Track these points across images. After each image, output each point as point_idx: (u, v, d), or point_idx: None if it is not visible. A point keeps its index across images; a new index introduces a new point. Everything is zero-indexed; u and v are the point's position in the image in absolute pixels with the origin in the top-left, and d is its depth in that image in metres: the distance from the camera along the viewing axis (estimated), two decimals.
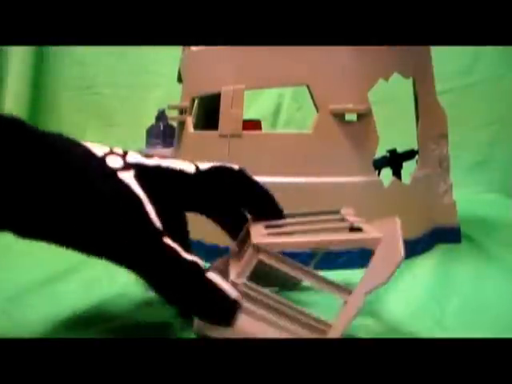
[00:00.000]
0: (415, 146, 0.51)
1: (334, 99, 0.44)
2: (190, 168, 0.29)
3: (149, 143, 0.58)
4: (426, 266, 0.44)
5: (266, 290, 0.27)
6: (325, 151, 0.44)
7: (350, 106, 0.44)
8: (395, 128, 0.68)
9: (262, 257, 0.27)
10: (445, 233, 0.51)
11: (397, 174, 0.57)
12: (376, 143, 0.45)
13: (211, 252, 0.46)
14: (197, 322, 0.28)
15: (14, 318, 0.33)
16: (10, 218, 0.24)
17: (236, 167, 0.31)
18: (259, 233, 0.29)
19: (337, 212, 0.33)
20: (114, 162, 0.26)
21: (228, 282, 0.27)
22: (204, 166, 0.30)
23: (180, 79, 0.55)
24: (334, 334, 0.27)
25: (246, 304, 0.26)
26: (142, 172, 0.27)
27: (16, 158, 0.23)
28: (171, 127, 0.57)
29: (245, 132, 0.45)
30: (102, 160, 0.26)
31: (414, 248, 0.47)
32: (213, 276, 0.26)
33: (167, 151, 0.54)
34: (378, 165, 0.54)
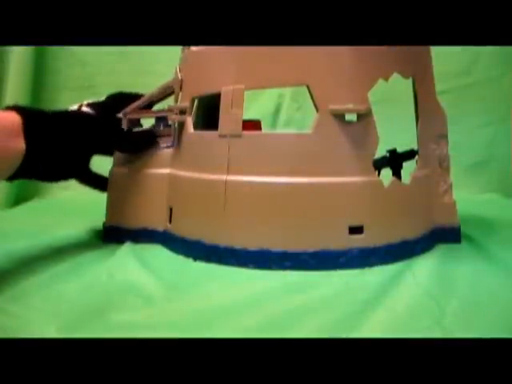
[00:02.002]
0: (415, 146, 0.51)
1: (334, 99, 0.44)
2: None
3: None
4: (425, 265, 0.44)
5: None
6: (325, 151, 0.44)
7: (350, 106, 0.44)
8: (395, 128, 0.68)
9: None
10: (445, 233, 0.51)
11: (397, 174, 0.57)
12: (376, 143, 0.45)
13: (211, 252, 0.46)
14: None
15: (14, 317, 0.33)
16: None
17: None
18: None
19: None
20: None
21: None
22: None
23: None
24: None
25: None
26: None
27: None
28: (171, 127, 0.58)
29: (245, 132, 0.45)
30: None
31: (414, 248, 0.47)
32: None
33: (167, 151, 0.54)
34: (378, 165, 0.54)
